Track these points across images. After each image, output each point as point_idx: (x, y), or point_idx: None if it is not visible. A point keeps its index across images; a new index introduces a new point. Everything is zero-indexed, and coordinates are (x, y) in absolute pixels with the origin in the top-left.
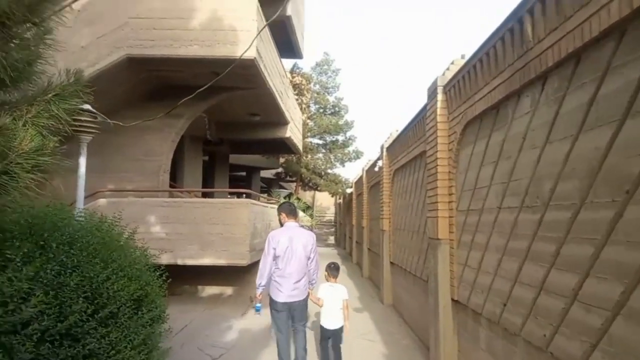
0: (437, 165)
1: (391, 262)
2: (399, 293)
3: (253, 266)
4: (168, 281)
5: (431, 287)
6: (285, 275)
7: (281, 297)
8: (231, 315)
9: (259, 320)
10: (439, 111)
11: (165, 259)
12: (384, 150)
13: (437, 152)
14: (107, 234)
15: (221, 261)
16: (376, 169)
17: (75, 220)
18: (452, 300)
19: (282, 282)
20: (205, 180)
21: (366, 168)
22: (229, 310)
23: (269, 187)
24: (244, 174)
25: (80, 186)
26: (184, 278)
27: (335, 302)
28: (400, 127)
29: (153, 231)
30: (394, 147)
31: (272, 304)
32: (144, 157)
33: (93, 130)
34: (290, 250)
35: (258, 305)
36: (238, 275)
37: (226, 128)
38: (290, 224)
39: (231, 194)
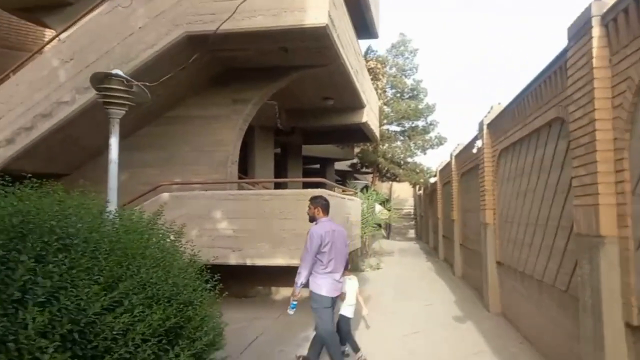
0: (595, 130)
1: (498, 262)
2: (513, 301)
3: None
4: (236, 283)
5: (585, 304)
6: (333, 271)
7: (331, 293)
8: (309, 322)
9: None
10: (595, 52)
11: (233, 259)
12: (484, 127)
13: (593, 111)
14: (136, 238)
15: (294, 261)
16: (474, 150)
17: (99, 221)
18: (628, 325)
19: (330, 278)
20: (277, 174)
21: (455, 153)
22: (307, 315)
23: (343, 179)
24: (317, 166)
25: (112, 175)
26: (256, 279)
27: (353, 294)
28: (504, 100)
29: (219, 228)
30: (499, 123)
31: (322, 300)
32: (211, 148)
33: (126, 102)
34: (335, 246)
35: (294, 303)
36: None
37: (298, 116)
38: (325, 219)
39: (304, 184)
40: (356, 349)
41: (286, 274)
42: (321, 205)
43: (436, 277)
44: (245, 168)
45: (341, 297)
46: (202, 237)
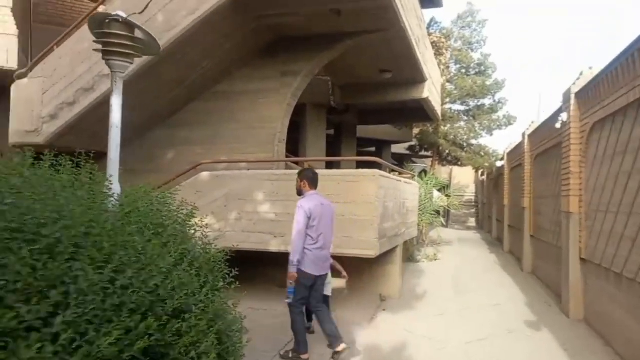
0: None
1: (583, 259)
2: (603, 307)
3: (383, 257)
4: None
5: None
6: (323, 247)
7: (318, 270)
8: (355, 320)
9: (391, 330)
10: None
11: (274, 245)
12: (571, 97)
13: None
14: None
15: (342, 250)
16: (557, 125)
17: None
18: None
19: (319, 254)
20: (330, 156)
21: (529, 132)
22: (353, 312)
23: (400, 163)
24: (373, 149)
25: (114, 144)
26: None
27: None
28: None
29: (261, 211)
30: (593, 90)
31: (305, 278)
32: (258, 125)
33: (130, 52)
34: (324, 221)
35: (292, 288)
36: (364, 265)
37: (352, 92)
38: (313, 192)
39: (358, 165)
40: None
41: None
42: (308, 179)
43: (502, 271)
44: (295, 149)
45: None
46: (242, 221)
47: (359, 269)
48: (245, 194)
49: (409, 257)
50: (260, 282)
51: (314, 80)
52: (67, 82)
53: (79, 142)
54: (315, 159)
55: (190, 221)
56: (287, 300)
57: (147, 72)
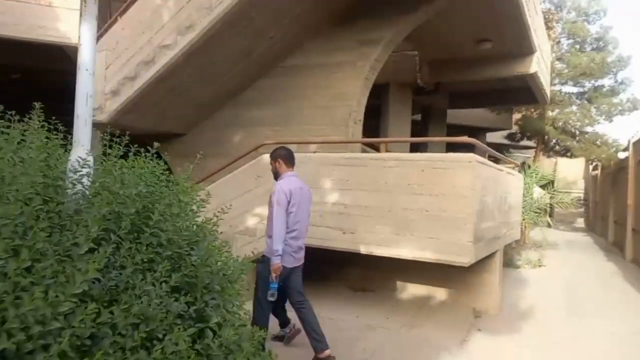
0: None
1: None
2: None
3: (478, 262)
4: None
5: None
6: (298, 236)
7: (291, 262)
8: (440, 342)
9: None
10: None
11: (343, 243)
12: None
13: None
14: None
15: (426, 254)
16: None
17: None
18: None
19: (295, 244)
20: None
21: None
22: (438, 331)
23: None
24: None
25: (81, 93)
26: (377, 267)
27: None
28: None
29: (328, 201)
30: None
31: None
32: (331, 103)
33: None
34: (303, 207)
35: (275, 283)
36: (453, 272)
37: (443, 69)
38: (291, 173)
39: (448, 147)
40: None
41: (418, 267)
42: (282, 157)
43: (628, 287)
44: (375, 135)
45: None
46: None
47: (447, 277)
48: (311, 181)
49: (507, 262)
50: (331, 284)
51: (398, 56)
52: (129, 54)
53: (142, 121)
54: (400, 139)
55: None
56: (270, 298)
57: (210, 42)
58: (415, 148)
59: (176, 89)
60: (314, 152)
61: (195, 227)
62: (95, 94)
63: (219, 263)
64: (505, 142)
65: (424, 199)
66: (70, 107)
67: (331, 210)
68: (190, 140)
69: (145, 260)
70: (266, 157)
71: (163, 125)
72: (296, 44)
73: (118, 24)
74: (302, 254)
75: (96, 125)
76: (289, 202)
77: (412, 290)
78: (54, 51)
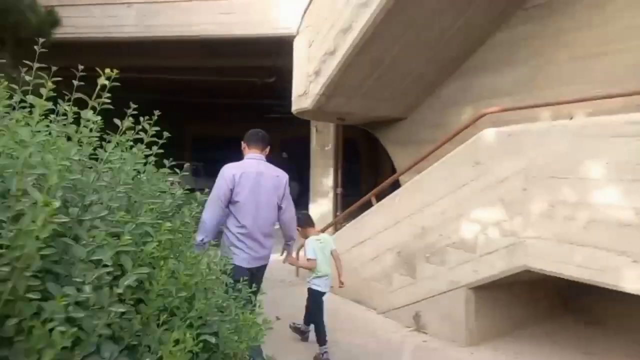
0: None
1: None
2: None
3: None
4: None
5: None
6: (251, 232)
7: (248, 262)
8: None
9: None
10: None
11: (632, 279)
12: None
13: None
14: None
15: None
16: None
17: None
18: None
19: (247, 240)
20: None
21: None
22: None
23: None
24: None
25: None
26: (616, 298)
27: (326, 258)
28: None
29: (598, 203)
30: None
31: (234, 271)
32: (609, 47)
33: None
34: (256, 196)
35: None
36: None
37: None
38: (251, 155)
39: None
40: (323, 340)
41: None
42: (249, 137)
43: None
44: None
45: (311, 265)
46: (555, 220)
47: None
48: (564, 167)
49: None
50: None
51: None
52: (328, 25)
53: (350, 105)
54: None
55: None
56: None
57: None
58: None
59: (382, 61)
60: (570, 118)
61: None
62: (302, 77)
63: None
64: None
65: None
66: None
67: (605, 218)
68: (407, 125)
69: None
70: (488, 134)
71: (376, 110)
72: None
73: None
74: (263, 252)
75: (301, 114)
76: (231, 190)
77: None
78: (266, 46)
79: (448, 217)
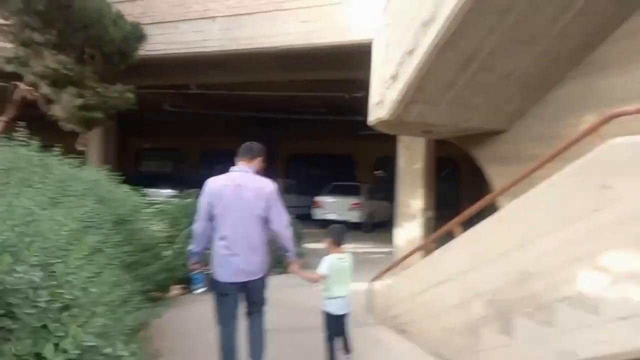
0: None
1: None
2: None
3: None
4: None
5: None
6: (231, 246)
7: (230, 276)
8: None
9: None
10: None
11: None
12: None
13: None
14: None
15: None
16: None
17: None
18: None
19: (227, 253)
20: None
21: None
22: None
23: None
24: None
25: None
26: None
27: (343, 279)
28: None
29: None
30: None
31: (214, 284)
32: None
33: None
34: (235, 206)
35: (195, 275)
36: None
37: None
38: (234, 168)
39: None
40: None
41: None
42: (239, 150)
43: None
44: None
45: (314, 277)
46: None
47: None
48: None
49: None
50: None
51: None
52: (407, 20)
53: (434, 115)
54: None
55: None
56: (195, 292)
57: None
58: None
59: (473, 59)
60: None
61: None
62: (378, 83)
63: None
64: None
65: None
66: None
67: None
68: (511, 138)
69: None
70: (621, 146)
71: (468, 120)
72: None
73: None
74: (249, 266)
75: (377, 125)
76: (210, 203)
77: None
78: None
79: (558, 260)
